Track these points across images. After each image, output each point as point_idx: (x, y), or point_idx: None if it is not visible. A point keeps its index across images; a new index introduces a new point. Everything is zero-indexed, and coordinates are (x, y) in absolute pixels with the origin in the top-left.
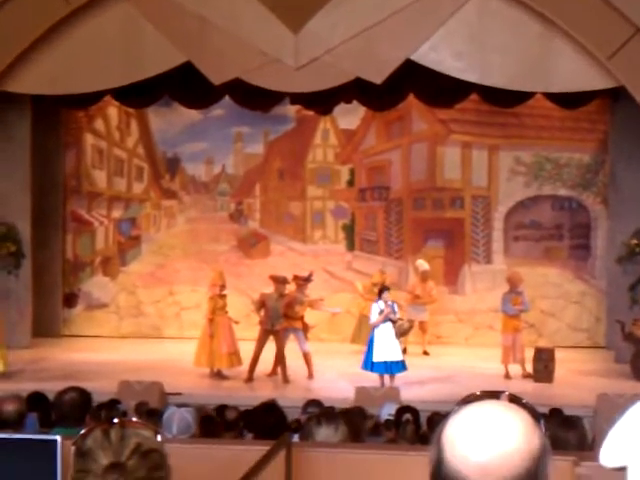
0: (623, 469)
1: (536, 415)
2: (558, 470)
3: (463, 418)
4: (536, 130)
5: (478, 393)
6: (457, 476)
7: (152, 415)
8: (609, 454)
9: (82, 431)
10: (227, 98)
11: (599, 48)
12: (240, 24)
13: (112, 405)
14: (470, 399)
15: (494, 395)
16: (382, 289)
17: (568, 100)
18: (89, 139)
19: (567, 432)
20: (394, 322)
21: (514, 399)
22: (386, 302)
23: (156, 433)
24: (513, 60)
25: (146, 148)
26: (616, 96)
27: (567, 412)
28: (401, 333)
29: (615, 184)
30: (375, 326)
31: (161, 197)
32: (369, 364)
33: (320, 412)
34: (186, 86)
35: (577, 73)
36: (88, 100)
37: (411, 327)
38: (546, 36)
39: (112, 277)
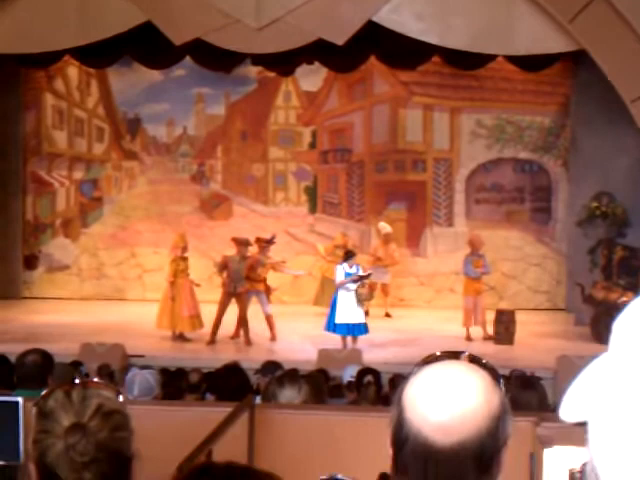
0: (583, 424)
1: (496, 375)
2: (519, 430)
3: (423, 378)
4: (498, 93)
5: (438, 353)
6: (418, 436)
7: (113, 377)
8: (569, 409)
9: (43, 392)
10: (188, 59)
11: (561, 11)
12: None
13: (74, 367)
14: (430, 359)
15: (454, 355)
16: (348, 254)
17: (530, 63)
18: (49, 99)
19: (527, 393)
20: (362, 278)
21: (474, 359)
22: (351, 266)
23: (118, 394)
24: (475, 22)
25: (106, 109)
26: (577, 59)
27: (527, 374)
28: (361, 301)
29: (576, 147)
30: (340, 287)
31: (122, 158)
32: (332, 326)
33: (283, 373)
34: (147, 46)
35: (539, 36)
36: (47, 60)
37: (372, 296)
38: None
39: (73, 239)
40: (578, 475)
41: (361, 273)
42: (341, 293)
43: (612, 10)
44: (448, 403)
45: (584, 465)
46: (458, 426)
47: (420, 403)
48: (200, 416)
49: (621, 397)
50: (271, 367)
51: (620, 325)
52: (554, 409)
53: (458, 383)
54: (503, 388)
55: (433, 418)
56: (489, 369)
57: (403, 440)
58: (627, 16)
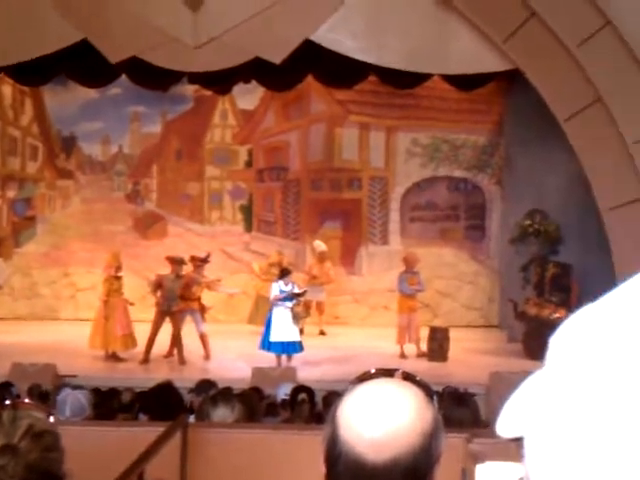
0: (519, 440)
1: (429, 392)
2: (451, 447)
3: (357, 396)
4: (433, 112)
5: (373, 371)
6: (352, 453)
7: (45, 397)
8: (505, 424)
9: None
10: (124, 77)
11: (495, 31)
12: (138, 2)
13: (5, 387)
14: (365, 377)
15: (388, 373)
16: (283, 272)
17: (464, 82)
18: None
19: (460, 409)
20: (298, 296)
21: (408, 376)
22: (287, 284)
23: (49, 414)
24: (410, 41)
25: (41, 127)
26: (512, 79)
27: (460, 390)
28: (297, 319)
29: (509, 166)
30: (274, 304)
31: (56, 177)
32: (266, 344)
33: (216, 392)
34: (82, 64)
35: (473, 55)
36: None
37: (307, 314)
38: (443, 18)
39: (6, 258)
40: None
41: (296, 291)
42: (276, 311)
43: (546, 30)
44: (381, 420)
45: None
46: (391, 443)
47: (353, 420)
48: (132, 436)
49: (556, 413)
50: (205, 386)
51: (556, 340)
52: (487, 425)
53: (391, 400)
54: (436, 405)
55: (366, 435)
56: (422, 386)
57: (336, 457)
58: (561, 36)
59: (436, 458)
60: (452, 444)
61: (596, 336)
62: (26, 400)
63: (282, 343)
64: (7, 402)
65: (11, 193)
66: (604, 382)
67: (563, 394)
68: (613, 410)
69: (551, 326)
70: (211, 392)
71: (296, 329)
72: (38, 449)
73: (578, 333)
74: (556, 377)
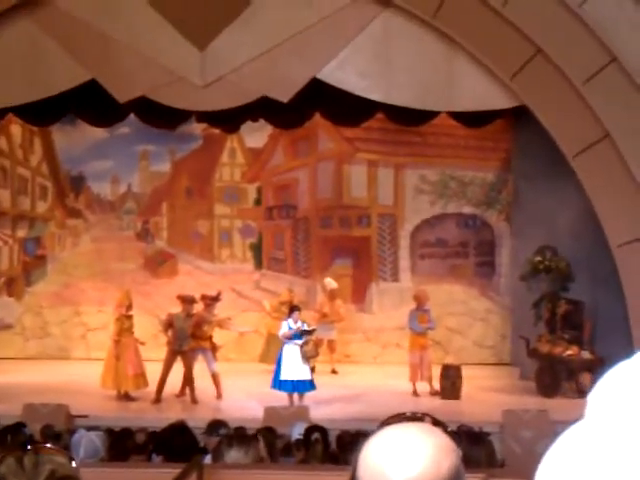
0: None
1: (457, 442)
2: None
3: (377, 440)
4: (441, 149)
5: (403, 414)
6: None
7: (58, 438)
8: (546, 475)
9: None
10: (132, 116)
11: (502, 68)
12: (145, 41)
13: (18, 428)
14: (392, 420)
15: (417, 418)
16: (292, 309)
17: (472, 119)
18: None
19: (476, 449)
20: (307, 333)
21: (436, 423)
22: (296, 321)
23: (71, 459)
24: (417, 79)
25: (50, 166)
26: (519, 115)
27: (476, 429)
28: (306, 358)
29: (518, 202)
30: (285, 340)
31: (66, 216)
32: (277, 382)
33: (231, 434)
34: (91, 104)
35: (480, 92)
36: None
37: (317, 352)
38: (450, 56)
39: (17, 297)
40: None
41: (305, 328)
42: (286, 349)
43: (552, 66)
44: (396, 467)
45: None
46: None
47: (370, 466)
48: (148, 477)
49: (597, 465)
50: (217, 426)
51: (596, 393)
52: (502, 464)
53: (407, 447)
54: (460, 454)
55: None
56: (449, 434)
57: None
58: (567, 72)
59: None
60: None
61: (636, 391)
62: (48, 445)
63: (292, 382)
64: (29, 447)
65: (22, 232)
66: None
67: (604, 446)
68: None
69: (564, 363)
70: (222, 432)
71: (307, 367)
72: None
73: (617, 387)
74: (597, 430)
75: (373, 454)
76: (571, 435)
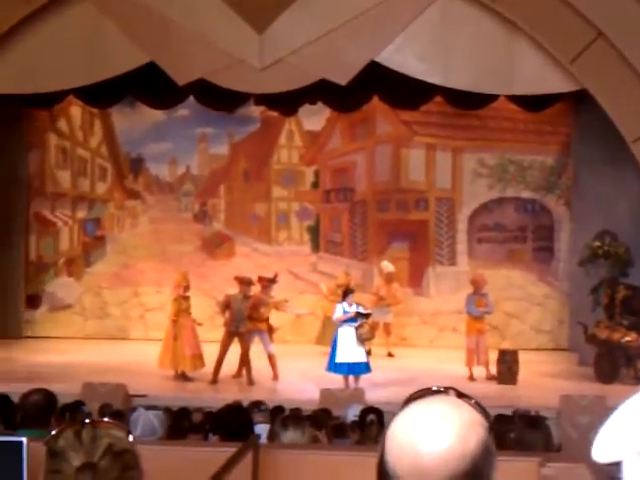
0: (616, 464)
1: (484, 413)
2: (524, 471)
3: (402, 417)
4: (500, 132)
5: (428, 389)
6: (393, 476)
7: (116, 417)
8: (602, 449)
9: (53, 432)
10: (191, 99)
11: (562, 51)
12: (204, 24)
13: (77, 407)
14: (416, 396)
15: (442, 391)
16: (346, 292)
17: (531, 103)
18: (52, 139)
19: (533, 433)
20: (362, 316)
21: (461, 395)
22: (350, 304)
23: (128, 433)
24: (476, 62)
25: (109, 148)
26: (579, 99)
27: (532, 413)
28: (362, 340)
29: (578, 187)
30: (338, 324)
31: (125, 197)
32: (332, 365)
33: (287, 415)
34: (150, 86)
35: (540, 76)
36: (51, 100)
37: (373, 335)
38: (509, 39)
39: (77, 278)
40: None
41: (360, 310)
42: (341, 332)
43: (613, 50)
44: (421, 443)
45: None
46: (430, 468)
47: (397, 443)
48: (204, 456)
49: None
50: (258, 406)
51: None
52: (559, 449)
53: (432, 424)
54: (488, 429)
55: (406, 459)
56: (477, 407)
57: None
58: (628, 56)
59: None
60: (525, 468)
61: None
62: (106, 419)
63: (348, 364)
64: (87, 420)
65: (81, 213)
66: None
67: None
68: None
69: (622, 350)
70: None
71: (362, 350)
72: (118, 468)
73: None
74: None
75: (397, 433)
76: (626, 408)
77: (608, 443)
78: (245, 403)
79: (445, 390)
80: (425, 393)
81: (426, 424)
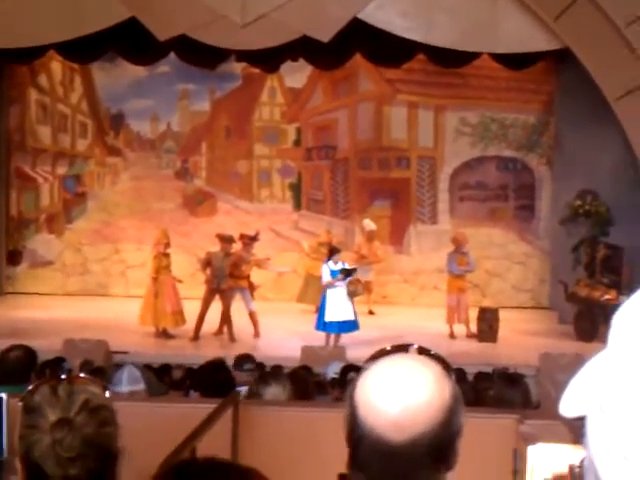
0: (582, 419)
1: (447, 366)
2: (502, 427)
3: (372, 375)
4: (482, 91)
5: (388, 348)
6: (372, 433)
7: (97, 374)
8: (569, 404)
9: (30, 387)
10: (173, 55)
11: (545, 10)
12: None
13: (57, 363)
14: (379, 354)
15: (403, 348)
16: (332, 251)
17: (514, 61)
18: (33, 94)
19: (511, 390)
20: (350, 272)
21: (423, 351)
22: (336, 263)
23: (104, 389)
24: (459, 20)
25: (90, 104)
26: (562, 58)
27: (511, 371)
28: (353, 296)
29: (560, 146)
30: (328, 287)
31: (105, 154)
32: (322, 324)
33: (267, 371)
34: (131, 42)
35: (523, 34)
36: (31, 54)
37: (363, 291)
38: None
39: (58, 234)
40: (578, 470)
41: (347, 267)
42: (330, 291)
43: (596, 9)
44: (399, 399)
45: (583, 460)
46: (411, 421)
47: (371, 401)
48: (184, 412)
49: (620, 392)
50: (244, 360)
51: (619, 320)
52: (537, 406)
53: (407, 378)
54: (453, 378)
55: (385, 415)
56: (439, 360)
57: (358, 438)
58: (611, 15)
59: (457, 432)
60: (503, 425)
61: None
62: (82, 374)
63: (338, 322)
64: (63, 376)
65: (62, 170)
66: None
67: (627, 373)
68: None
69: (602, 308)
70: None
71: (351, 307)
72: (94, 424)
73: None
74: (620, 357)
75: (370, 391)
76: (593, 363)
77: (574, 398)
78: (230, 359)
79: (406, 346)
80: (387, 351)
81: (401, 379)
